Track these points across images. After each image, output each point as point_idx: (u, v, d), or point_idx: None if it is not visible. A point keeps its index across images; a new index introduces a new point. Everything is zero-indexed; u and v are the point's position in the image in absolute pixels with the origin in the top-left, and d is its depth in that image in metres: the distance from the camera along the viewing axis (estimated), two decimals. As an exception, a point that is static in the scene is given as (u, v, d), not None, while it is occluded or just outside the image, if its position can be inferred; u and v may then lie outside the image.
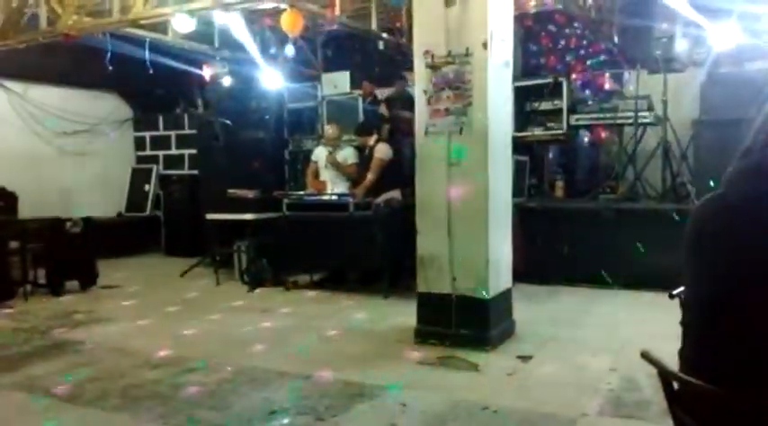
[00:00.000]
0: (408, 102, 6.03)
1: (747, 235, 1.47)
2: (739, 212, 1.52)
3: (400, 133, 7.84)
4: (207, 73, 8.84)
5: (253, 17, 7.45)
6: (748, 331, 1.44)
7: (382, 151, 6.93)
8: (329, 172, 7.32)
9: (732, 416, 1.46)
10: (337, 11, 6.81)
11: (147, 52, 7.51)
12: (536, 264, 6.33)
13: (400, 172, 6.72)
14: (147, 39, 7.41)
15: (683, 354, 1.64)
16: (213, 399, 3.59)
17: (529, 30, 7.63)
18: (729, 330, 1.48)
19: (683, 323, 1.66)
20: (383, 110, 8.12)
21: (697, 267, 1.61)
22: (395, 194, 6.76)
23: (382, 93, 8.56)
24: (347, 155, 7.33)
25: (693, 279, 1.62)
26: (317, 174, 7.46)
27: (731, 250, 1.49)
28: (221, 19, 6.84)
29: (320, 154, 7.45)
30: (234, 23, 6.89)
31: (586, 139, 7.75)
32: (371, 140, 7.06)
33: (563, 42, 7.77)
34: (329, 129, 7.46)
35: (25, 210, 8.25)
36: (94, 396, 3.68)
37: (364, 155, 7.20)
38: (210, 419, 3.30)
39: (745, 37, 6.15)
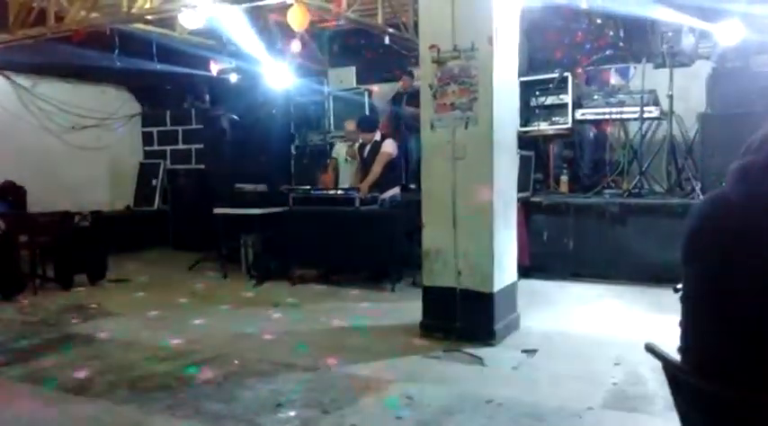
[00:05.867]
0: (415, 98, 6.05)
1: (743, 233, 1.47)
2: (738, 211, 1.52)
3: (407, 129, 7.87)
4: (214, 68, 8.89)
5: (259, 13, 7.46)
6: (744, 328, 1.44)
7: (391, 146, 6.95)
8: (349, 165, 7.43)
9: (736, 410, 1.47)
10: (343, 5, 6.82)
11: (154, 48, 7.56)
12: (541, 259, 6.36)
13: (400, 169, 6.81)
14: (155, 35, 7.45)
15: (683, 350, 1.64)
16: (221, 391, 3.63)
17: (534, 24, 7.61)
18: (726, 327, 1.48)
19: (682, 319, 1.66)
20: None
21: (695, 264, 1.61)
22: (396, 191, 6.81)
23: (383, 88, 8.60)
24: None
25: (692, 275, 1.62)
26: (336, 169, 7.62)
27: (729, 248, 1.49)
28: (227, 16, 6.87)
29: (340, 150, 7.61)
30: (239, 21, 6.93)
31: (592, 134, 7.74)
32: (377, 135, 7.07)
33: (569, 37, 7.75)
34: (348, 124, 7.53)
35: (34, 205, 8.32)
36: (103, 388, 3.73)
37: (364, 149, 7.21)
38: (218, 411, 3.34)
39: (751, 32, 6.12)
